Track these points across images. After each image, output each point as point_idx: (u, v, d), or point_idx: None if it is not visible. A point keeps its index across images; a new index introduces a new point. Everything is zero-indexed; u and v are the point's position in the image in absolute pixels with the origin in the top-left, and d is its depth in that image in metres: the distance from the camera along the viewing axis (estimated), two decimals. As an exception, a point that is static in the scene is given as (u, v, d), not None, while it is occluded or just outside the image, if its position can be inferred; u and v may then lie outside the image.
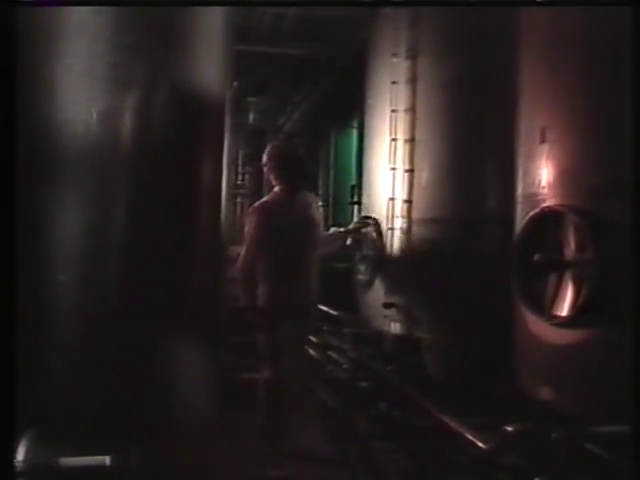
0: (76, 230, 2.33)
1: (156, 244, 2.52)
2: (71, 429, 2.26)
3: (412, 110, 4.88)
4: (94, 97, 2.23)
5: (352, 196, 8.39)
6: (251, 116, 11.40)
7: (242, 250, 4.20)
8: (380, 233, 5.00)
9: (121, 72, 2.29)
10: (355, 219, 6.91)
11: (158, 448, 2.55)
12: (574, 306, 2.79)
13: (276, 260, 4.17)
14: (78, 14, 2.16)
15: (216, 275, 2.87)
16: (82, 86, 2.23)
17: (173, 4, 2.61)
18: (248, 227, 4.24)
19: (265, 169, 4.45)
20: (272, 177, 4.40)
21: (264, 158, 4.46)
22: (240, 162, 11.36)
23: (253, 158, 11.31)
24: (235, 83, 9.65)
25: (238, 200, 11.07)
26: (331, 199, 9.79)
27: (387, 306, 4.85)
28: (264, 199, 4.50)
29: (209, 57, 2.70)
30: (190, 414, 2.71)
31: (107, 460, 2.14)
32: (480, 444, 3.08)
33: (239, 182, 11.26)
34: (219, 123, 2.81)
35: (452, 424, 3.55)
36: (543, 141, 3.06)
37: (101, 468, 2.17)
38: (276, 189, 4.39)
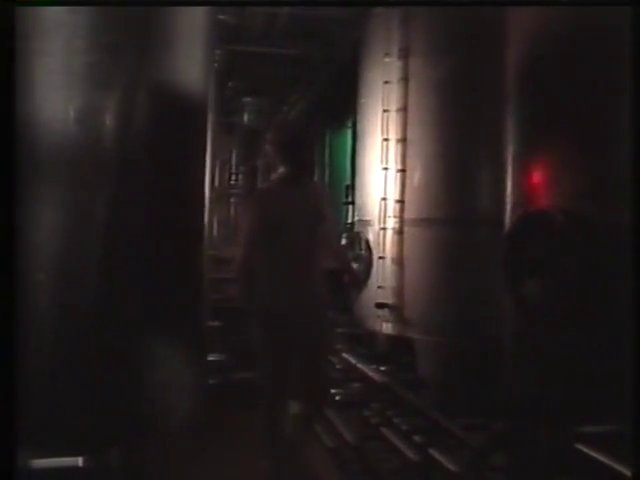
0: (54, 231, 2.31)
1: (138, 244, 2.50)
2: (50, 430, 2.24)
3: (404, 110, 4.88)
4: (73, 96, 2.22)
5: (347, 196, 8.39)
6: (246, 116, 11.37)
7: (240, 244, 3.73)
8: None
9: (101, 71, 2.26)
10: (349, 220, 6.93)
11: (141, 450, 2.55)
12: (560, 307, 2.79)
13: (273, 255, 3.61)
14: (55, 12, 2.15)
15: (200, 275, 2.84)
16: (60, 84, 2.21)
17: (169, 4, 2.61)
18: (244, 217, 3.96)
19: (268, 149, 3.85)
20: (275, 158, 3.78)
21: (268, 135, 3.90)
22: (234, 162, 11.34)
23: (247, 158, 11.31)
24: (230, 83, 9.67)
25: (231, 200, 11.04)
26: (326, 199, 9.77)
27: (380, 306, 4.85)
28: (263, 185, 4.18)
29: (193, 56, 2.67)
30: (175, 415, 2.70)
31: (80, 461, 2.13)
32: (470, 443, 3.07)
33: (232, 182, 11.22)
34: (204, 123, 2.79)
35: (443, 424, 3.55)
36: (530, 141, 3.06)
37: (79, 470, 2.16)
38: (279, 172, 3.77)
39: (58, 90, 2.20)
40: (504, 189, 3.46)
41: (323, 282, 3.73)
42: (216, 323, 6.36)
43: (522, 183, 3.16)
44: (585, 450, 2.64)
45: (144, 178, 2.44)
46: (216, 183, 10.57)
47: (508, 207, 3.37)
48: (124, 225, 2.42)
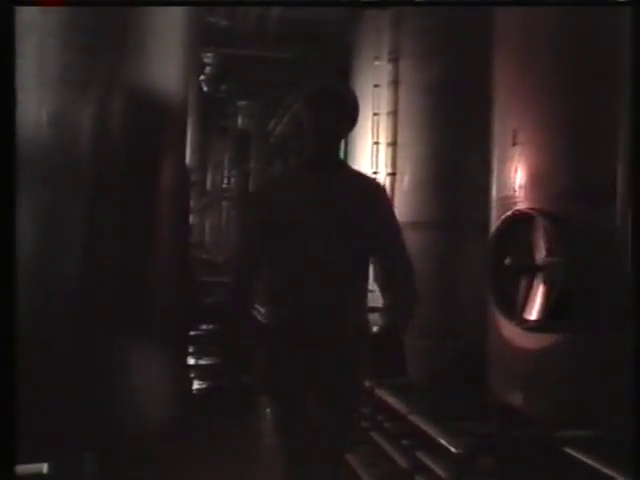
0: (29, 236, 2.30)
1: (116, 247, 2.49)
2: (29, 433, 2.22)
3: (394, 113, 4.88)
4: (46, 98, 2.20)
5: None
6: (240, 120, 11.38)
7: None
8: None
9: (76, 73, 2.25)
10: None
11: (121, 454, 2.54)
12: (545, 310, 2.78)
13: (279, 261, 2.52)
14: (27, 12, 2.13)
15: (187, 278, 2.82)
16: (33, 87, 2.20)
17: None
18: (246, 212, 3.29)
19: (304, 114, 2.49)
20: (309, 126, 2.49)
21: (309, 92, 2.55)
22: (226, 165, 11.36)
23: (240, 161, 11.31)
24: (223, 87, 9.67)
25: (224, 204, 11.02)
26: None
27: (369, 310, 4.82)
28: (278, 171, 3.14)
29: (173, 58, 2.66)
30: (153, 421, 2.69)
31: (44, 468, 2.10)
32: (453, 449, 3.05)
33: (225, 185, 11.22)
34: (183, 126, 2.77)
35: (428, 429, 3.53)
36: (514, 144, 3.05)
37: (44, 477, 2.14)
38: (306, 151, 2.60)
39: (32, 92, 2.19)
40: (492, 192, 3.46)
41: (358, 312, 2.65)
42: (210, 327, 6.35)
43: (504, 186, 3.15)
44: (574, 454, 2.62)
45: (121, 182, 2.42)
46: (208, 186, 10.62)
47: (492, 210, 3.37)
48: (104, 229, 2.41)
